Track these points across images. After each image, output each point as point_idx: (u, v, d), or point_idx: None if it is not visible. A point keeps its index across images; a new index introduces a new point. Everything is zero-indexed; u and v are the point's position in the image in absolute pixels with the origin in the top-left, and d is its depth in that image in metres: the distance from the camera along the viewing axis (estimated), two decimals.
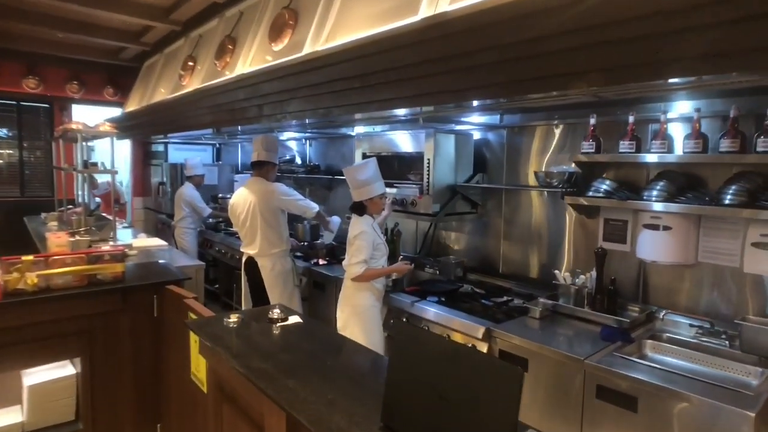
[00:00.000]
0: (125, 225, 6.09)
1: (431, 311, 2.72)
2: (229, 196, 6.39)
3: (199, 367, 1.93)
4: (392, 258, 3.81)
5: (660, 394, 1.83)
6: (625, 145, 2.50)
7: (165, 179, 7.04)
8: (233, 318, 1.79)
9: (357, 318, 2.87)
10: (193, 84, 4.38)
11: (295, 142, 5.82)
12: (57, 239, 3.82)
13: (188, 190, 5.54)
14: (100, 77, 7.67)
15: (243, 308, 3.72)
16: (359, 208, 2.97)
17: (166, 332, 2.47)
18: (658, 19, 1.26)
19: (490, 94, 2.39)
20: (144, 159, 8.38)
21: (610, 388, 1.95)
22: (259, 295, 3.59)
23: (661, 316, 2.36)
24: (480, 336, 2.39)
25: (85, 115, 7.75)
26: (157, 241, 4.56)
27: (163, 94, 5.20)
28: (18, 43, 6.26)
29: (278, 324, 1.83)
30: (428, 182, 3.21)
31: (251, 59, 3.37)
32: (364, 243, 2.82)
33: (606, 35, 1.43)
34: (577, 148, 2.93)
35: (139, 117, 5.79)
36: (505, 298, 2.92)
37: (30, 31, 5.88)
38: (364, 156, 3.74)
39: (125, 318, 2.43)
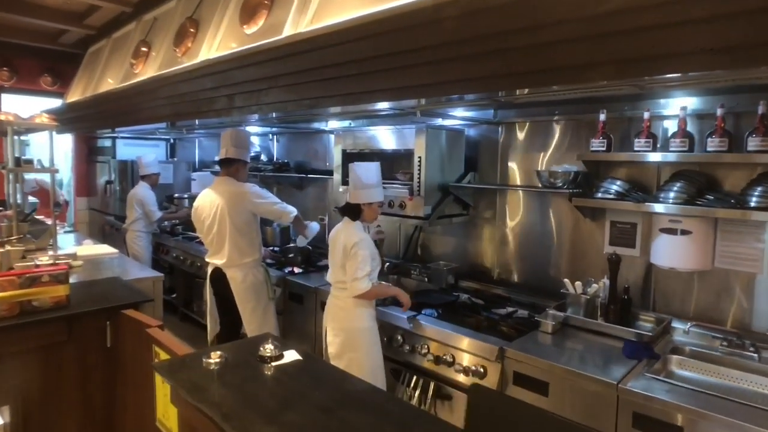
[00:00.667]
0: (67, 229, 5.47)
1: (432, 329, 2.44)
2: (186, 195, 5.92)
3: (167, 414, 1.56)
4: None
5: (707, 422, 1.64)
6: (641, 143, 2.31)
7: (113, 177, 6.42)
8: (214, 358, 1.43)
9: (356, 342, 2.48)
10: (147, 72, 3.90)
11: (258, 138, 5.40)
12: None
13: (142, 191, 5.02)
14: (35, 64, 6.91)
15: (208, 325, 3.30)
16: (355, 213, 2.62)
17: (124, 366, 2.05)
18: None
19: (497, 86, 2.15)
20: (88, 155, 7.68)
21: (650, 416, 1.74)
22: (228, 310, 3.19)
23: (686, 329, 2.18)
24: (493, 357, 2.14)
25: (17, 105, 6.99)
26: (105, 249, 4.06)
27: (111, 83, 4.66)
28: None
29: (272, 363, 1.48)
30: (419, 182, 2.93)
31: (218, 44, 2.97)
32: (367, 252, 2.47)
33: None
34: (578, 145, 2.74)
35: (83, 108, 5.20)
36: (508, 309, 2.68)
37: None
38: (345, 154, 3.42)
39: (70, 351, 1.99)
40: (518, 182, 3.06)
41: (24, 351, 1.86)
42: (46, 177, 5.01)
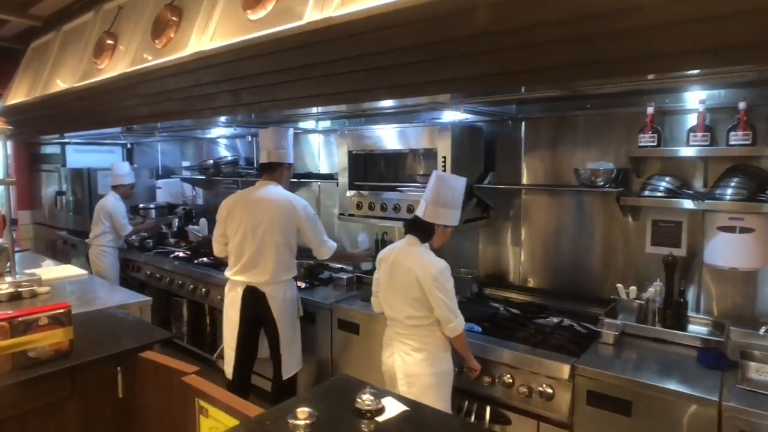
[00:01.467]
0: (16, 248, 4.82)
1: (483, 347, 2.18)
2: (152, 205, 5.39)
3: None
4: None
5: None
6: (697, 138, 2.17)
7: (65, 188, 5.77)
8: (303, 417, 1.09)
9: (437, 390, 2.05)
10: (116, 68, 3.43)
11: (239, 140, 4.99)
12: None
13: (112, 201, 4.48)
14: None
15: (225, 354, 2.86)
16: (426, 233, 2.16)
17: (145, 425, 1.65)
18: None
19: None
20: (30, 164, 6.93)
21: None
22: (251, 334, 2.81)
23: (761, 332, 2.06)
24: (565, 376, 1.93)
25: None
26: (70, 269, 3.56)
27: (66, 82, 4.12)
28: None
29: (376, 419, 1.17)
30: None
31: (212, 33, 2.60)
32: (453, 283, 2.08)
33: None
34: (611, 141, 2.59)
35: (31, 111, 4.61)
36: (552, 320, 2.48)
37: None
38: (351, 156, 3.13)
39: (74, 409, 1.56)
40: (542, 181, 2.88)
41: (16, 416, 1.44)
42: None
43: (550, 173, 2.85)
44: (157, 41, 3.03)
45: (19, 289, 2.78)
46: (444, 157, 2.68)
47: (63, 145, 6.29)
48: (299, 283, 3.23)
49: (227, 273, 2.84)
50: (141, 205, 5.15)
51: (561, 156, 2.79)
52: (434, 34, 1.73)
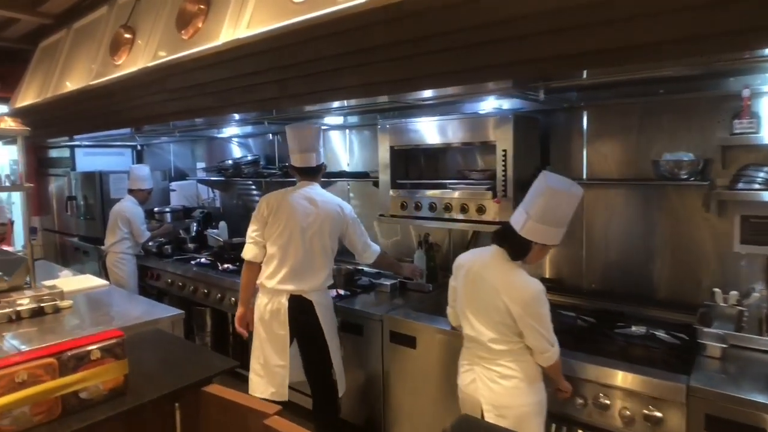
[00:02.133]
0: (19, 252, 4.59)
1: (571, 363, 1.93)
2: (167, 209, 5.15)
3: None
4: (432, 280, 3.02)
5: None
6: None
7: (75, 192, 5.54)
8: None
9: (533, 421, 1.80)
10: (135, 63, 3.20)
11: (251, 140, 4.75)
12: None
13: (130, 206, 4.25)
14: None
15: (281, 369, 2.55)
16: (522, 250, 1.84)
17: None
18: None
19: None
20: (38, 168, 6.71)
21: None
22: (307, 349, 2.58)
23: None
24: (679, 398, 1.69)
25: None
26: (90, 280, 3.33)
27: (81, 80, 3.88)
28: None
29: None
30: (505, 181, 2.45)
31: (249, 19, 2.37)
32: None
33: None
34: (692, 129, 2.35)
35: (42, 113, 4.38)
36: (637, 329, 2.23)
37: None
38: (393, 151, 2.89)
39: None
40: (606, 175, 2.65)
41: None
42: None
43: (617, 166, 2.61)
44: (183, 32, 2.80)
45: (41, 304, 2.55)
46: (504, 151, 2.45)
47: (72, 148, 6.06)
48: (338, 291, 3.00)
49: (266, 281, 2.57)
50: (156, 209, 4.91)
51: (630, 147, 2.55)
52: (493, 14, 1.52)
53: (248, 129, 4.51)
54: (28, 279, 2.81)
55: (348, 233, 2.66)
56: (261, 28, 2.22)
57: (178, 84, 2.85)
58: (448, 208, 2.65)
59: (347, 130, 3.89)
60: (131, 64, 3.29)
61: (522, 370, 1.78)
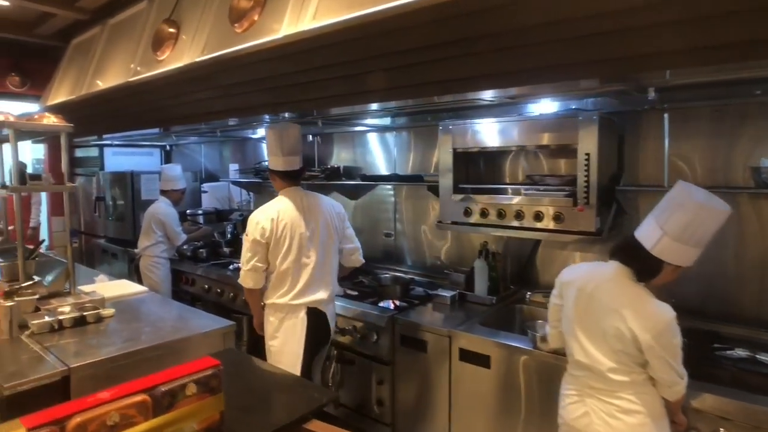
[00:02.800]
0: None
1: (709, 398, 1.66)
2: (200, 211, 5.01)
3: None
4: (494, 293, 2.81)
5: None
6: None
7: (104, 194, 5.42)
8: None
9: None
10: (180, 58, 3.05)
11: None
12: None
13: (164, 208, 4.11)
14: (1, 62, 5.82)
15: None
16: (651, 270, 1.62)
17: None
18: None
19: None
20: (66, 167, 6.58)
21: None
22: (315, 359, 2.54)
23: None
24: None
25: None
26: (129, 286, 3.18)
27: (118, 76, 3.75)
28: None
29: None
30: (587, 187, 2.24)
31: (314, 11, 2.19)
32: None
33: None
34: None
35: (76, 111, 4.25)
36: (741, 352, 2.01)
37: None
38: (456, 154, 2.70)
39: None
40: (692, 182, 2.42)
41: None
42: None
43: (705, 173, 2.39)
44: (236, 25, 2.64)
45: (83, 313, 2.39)
46: (587, 155, 2.24)
47: (101, 147, 5.96)
48: (395, 302, 2.81)
49: (278, 300, 2.43)
50: (189, 211, 4.77)
51: (719, 152, 2.34)
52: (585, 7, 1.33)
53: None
54: (67, 285, 2.65)
55: (346, 234, 2.64)
56: (334, 18, 2.04)
57: (230, 80, 2.69)
58: (519, 215, 2.45)
59: (387, 133, 3.72)
60: (175, 59, 3.14)
61: (646, 405, 1.57)
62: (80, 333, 2.29)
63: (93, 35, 4.58)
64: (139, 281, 3.94)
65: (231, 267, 3.90)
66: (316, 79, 2.25)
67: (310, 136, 4.27)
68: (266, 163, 4.39)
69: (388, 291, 2.88)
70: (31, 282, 2.40)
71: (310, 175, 4.00)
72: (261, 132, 4.67)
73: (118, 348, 2.06)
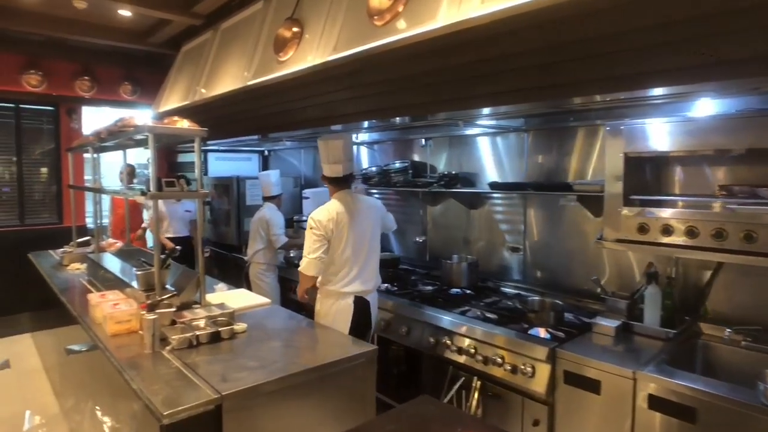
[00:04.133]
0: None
1: None
2: (304, 218, 4.90)
3: None
4: (670, 325, 2.38)
5: None
6: None
7: (210, 198, 5.48)
8: None
9: None
10: (305, 58, 2.89)
11: (377, 146, 4.35)
12: (114, 313, 2.28)
13: (271, 213, 4.03)
14: (115, 71, 6.11)
15: None
16: None
17: None
18: None
19: None
20: (168, 173, 6.81)
21: None
22: None
23: None
24: None
25: (94, 120, 6.18)
26: (252, 297, 3.05)
27: (235, 80, 3.69)
28: (15, 21, 4.66)
29: None
30: None
31: None
32: None
33: None
34: None
35: (191, 117, 4.25)
36: None
37: (29, 3, 4.30)
38: (627, 159, 2.30)
39: None
40: None
41: None
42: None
43: None
44: (376, 18, 2.42)
45: (219, 329, 2.24)
46: None
47: (205, 152, 6.07)
48: (547, 330, 2.44)
49: (331, 287, 2.78)
50: (295, 218, 4.67)
51: None
52: None
53: (390, 134, 4.14)
54: (198, 296, 2.54)
55: (386, 225, 3.04)
56: (501, 4, 1.74)
57: (369, 79, 2.47)
58: (720, 234, 2.01)
59: (499, 136, 3.38)
60: (299, 60, 2.99)
61: None
62: (216, 350, 2.15)
63: (204, 41, 4.62)
64: (249, 289, 3.86)
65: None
66: (478, 75, 1.96)
67: (423, 140, 4.00)
68: (374, 169, 4.23)
69: (539, 317, 2.51)
70: (169, 294, 2.29)
71: (426, 182, 3.73)
72: (362, 136, 4.50)
73: (266, 374, 1.87)
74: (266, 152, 6.25)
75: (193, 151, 6.49)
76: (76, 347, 3.18)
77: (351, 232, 2.73)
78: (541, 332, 2.43)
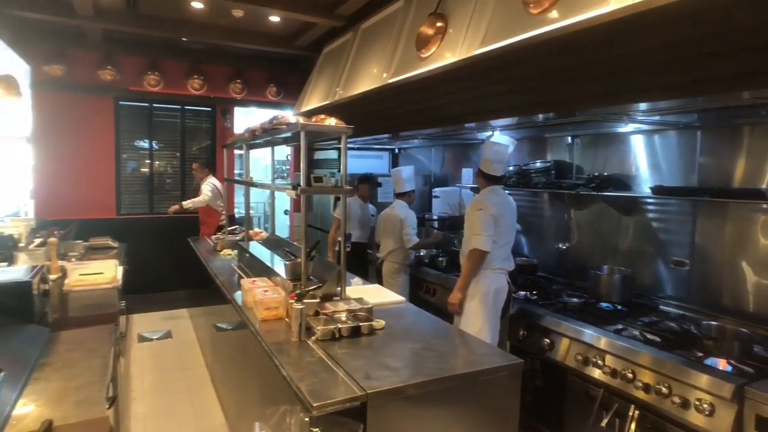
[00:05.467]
0: None
1: None
2: (436, 216, 4.85)
3: None
4: None
5: None
6: None
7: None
8: None
9: None
10: (451, 53, 2.80)
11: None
12: (264, 299, 2.40)
13: (403, 211, 4.03)
14: (262, 75, 6.63)
15: None
16: None
17: None
18: None
19: None
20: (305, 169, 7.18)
21: None
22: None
23: None
24: None
25: (242, 119, 6.78)
26: (386, 294, 3.06)
27: (373, 79, 3.74)
28: (184, 32, 5.25)
29: None
30: None
31: None
32: None
33: None
34: None
35: (333, 115, 4.43)
36: None
37: (197, 15, 4.80)
38: None
39: None
40: None
41: None
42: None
43: None
44: (531, 6, 2.24)
45: (359, 323, 2.26)
46: None
47: (339, 150, 6.32)
48: (729, 362, 2.07)
49: (493, 264, 3.02)
50: (427, 216, 4.63)
51: None
52: None
53: (525, 131, 3.87)
54: (338, 288, 2.59)
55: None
56: None
57: (518, 73, 2.31)
58: None
59: (656, 134, 2.94)
60: (442, 56, 2.91)
61: None
62: (356, 345, 2.16)
63: (344, 42, 4.77)
64: (380, 284, 3.89)
65: None
66: (649, 64, 1.71)
67: (569, 138, 3.70)
68: (511, 168, 4.00)
69: (718, 345, 2.14)
70: (314, 286, 2.37)
71: (572, 184, 3.43)
72: (500, 138, 4.28)
73: (409, 375, 1.82)
74: (396, 150, 6.32)
75: (328, 149, 6.80)
76: (223, 325, 3.47)
77: (509, 220, 3.12)
78: (721, 364, 2.06)
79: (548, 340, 2.63)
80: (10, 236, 3.46)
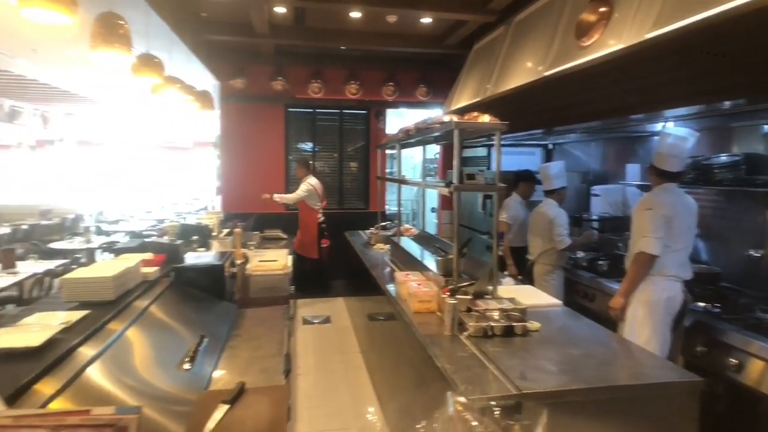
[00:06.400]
0: None
1: None
2: (595, 216, 4.52)
3: None
4: None
5: None
6: None
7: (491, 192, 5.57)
8: None
9: None
10: (615, 41, 2.59)
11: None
12: (418, 293, 2.50)
13: (553, 210, 3.84)
14: (412, 76, 6.83)
15: None
16: None
17: None
18: None
19: None
20: (450, 166, 7.24)
21: None
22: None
23: None
24: None
25: (393, 120, 7.08)
26: (539, 295, 2.96)
27: (529, 73, 3.62)
28: (344, 41, 5.67)
29: None
30: None
31: None
32: None
33: None
34: None
35: (489, 109, 4.41)
36: None
37: (355, 23, 5.13)
38: None
39: None
40: None
41: None
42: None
43: None
44: None
45: (512, 323, 2.22)
46: None
47: (488, 147, 6.24)
48: None
49: (666, 270, 2.73)
50: (585, 215, 4.34)
51: None
52: None
53: (702, 121, 3.36)
54: (490, 287, 2.58)
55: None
56: None
57: (700, 55, 2.04)
58: None
59: None
60: (606, 43, 2.70)
61: None
62: (509, 344, 2.13)
63: (495, 37, 4.69)
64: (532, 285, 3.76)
65: None
66: None
67: (766, 127, 3.15)
68: (688, 160, 3.53)
69: None
70: (467, 282, 2.40)
71: (752, 179, 2.92)
72: (677, 130, 3.79)
73: (567, 380, 1.75)
74: (550, 146, 6.02)
75: (476, 146, 6.74)
76: (376, 314, 3.69)
77: (681, 224, 2.76)
78: None
79: (735, 360, 2.29)
80: (207, 226, 4.12)
